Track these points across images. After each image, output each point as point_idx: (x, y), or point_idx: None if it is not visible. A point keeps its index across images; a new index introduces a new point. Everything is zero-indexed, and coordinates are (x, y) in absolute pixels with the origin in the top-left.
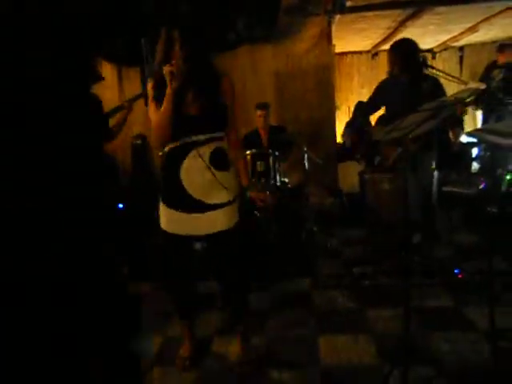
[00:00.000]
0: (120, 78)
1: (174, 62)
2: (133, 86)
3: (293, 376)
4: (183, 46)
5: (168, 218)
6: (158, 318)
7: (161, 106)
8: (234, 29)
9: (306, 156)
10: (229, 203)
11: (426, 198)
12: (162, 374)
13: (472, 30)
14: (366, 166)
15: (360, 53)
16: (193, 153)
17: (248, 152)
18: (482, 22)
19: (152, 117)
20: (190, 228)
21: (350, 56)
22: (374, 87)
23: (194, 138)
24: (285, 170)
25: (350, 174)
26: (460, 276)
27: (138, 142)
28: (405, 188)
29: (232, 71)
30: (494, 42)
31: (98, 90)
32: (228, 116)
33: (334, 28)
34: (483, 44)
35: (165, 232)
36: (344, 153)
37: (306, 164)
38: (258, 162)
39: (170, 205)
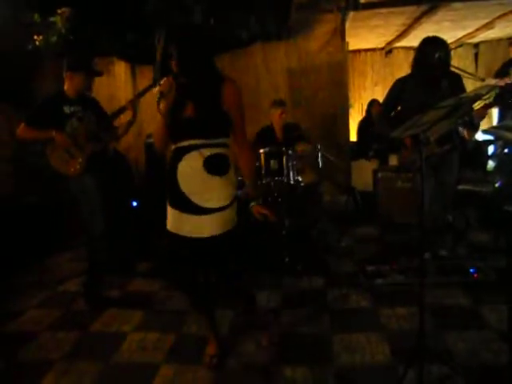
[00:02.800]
0: (134, 76)
1: (163, 81)
2: (146, 84)
3: (306, 374)
4: (179, 61)
5: (170, 217)
6: (172, 315)
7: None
8: (247, 26)
9: (319, 154)
10: (221, 209)
11: (447, 198)
12: (176, 371)
13: (488, 26)
14: (379, 164)
15: (374, 50)
16: (187, 156)
17: (262, 150)
18: (498, 18)
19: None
20: (187, 228)
21: (363, 53)
22: (390, 86)
23: (191, 142)
24: (298, 168)
25: (363, 172)
26: (476, 275)
27: (151, 140)
28: (423, 188)
29: (245, 69)
30: (509, 38)
31: (111, 88)
32: (232, 122)
33: (347, 25)
34: (499, 41)
35: (168, 230)
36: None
37: (320, 162)
38: (272, 161)
39: (171, 204)
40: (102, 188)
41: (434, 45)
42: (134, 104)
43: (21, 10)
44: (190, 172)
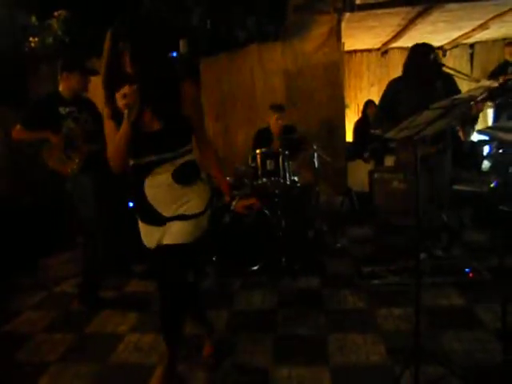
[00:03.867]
0: None
1: (126, 88)
2: None
3: (301, 374)
4: (136, 69)
5: (142, 232)
6: None
7: (118, 125)
8: (244, 27)
9: (315, 155)
10: (191, 217)
11: (441, 198)
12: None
13: (483, 27)
14: (375, 165)
15: (369, 51)
16: (156, 170)
17: (258, 151)
18: (493, 18)
19: (109, 135)
20: (154, 240)
21: (359, 54)
22: (384, 89)
23: (157, 157)
24: (294, 169)
25: (360, 173)
26: (471, 275)
27: None
28: (417, 188)
29: (241, 70)
30: (505, 39)
31: None
32: (193, 123)
33: (343, 26)
34: (494, 41)
35: (144, 244)
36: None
37: (316, 163)
38: (268, 161)
39: (140, 218)
40: (99, 188)
41: (426, 47)
42: None
43: (18, 12)
44: (160, 186)
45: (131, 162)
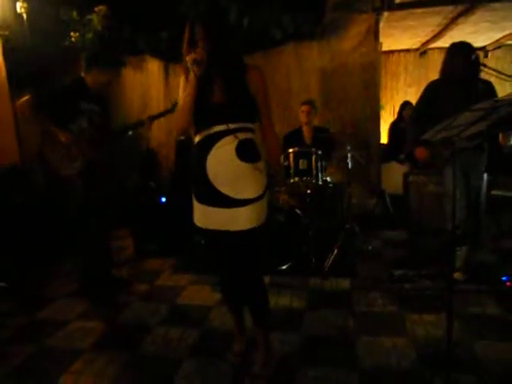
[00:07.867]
0: (166, 73)
1: (198, 49)
2: (179, 81)
3: (329, 376)
4: (206, 36)
5: (198, 213)
6: (197, 310)
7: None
8: (280, 26)
9: (349, 155)
10: (256, 199)
11: (474, 202)
12: (198, 366)
13: None
14: (410, 167)
15: (407, 51)
16: (219, 143)
17: (291, 150)
18: None
19: (180, 95)
20: (216, 222)
21: (397, 54)
22: (423, 89)
23: (221, 128)
24: (327, 169)
25: (394, 175)
26: (508, 284)
27: (182, 138)
28: (453, 192)
29: (277, 68)
30: None
31: (144, 85)
32: (259, 107)
33: (381, 25)
34: None
35: (197, 226)
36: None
37: (349, 163)
38: (301, 160)
39: (198, 199)
40: (91, 195)
41: (467, 48)
42: (152, 122)
43: (60, 7)
44: (222, 161)
45: (196, 139)
